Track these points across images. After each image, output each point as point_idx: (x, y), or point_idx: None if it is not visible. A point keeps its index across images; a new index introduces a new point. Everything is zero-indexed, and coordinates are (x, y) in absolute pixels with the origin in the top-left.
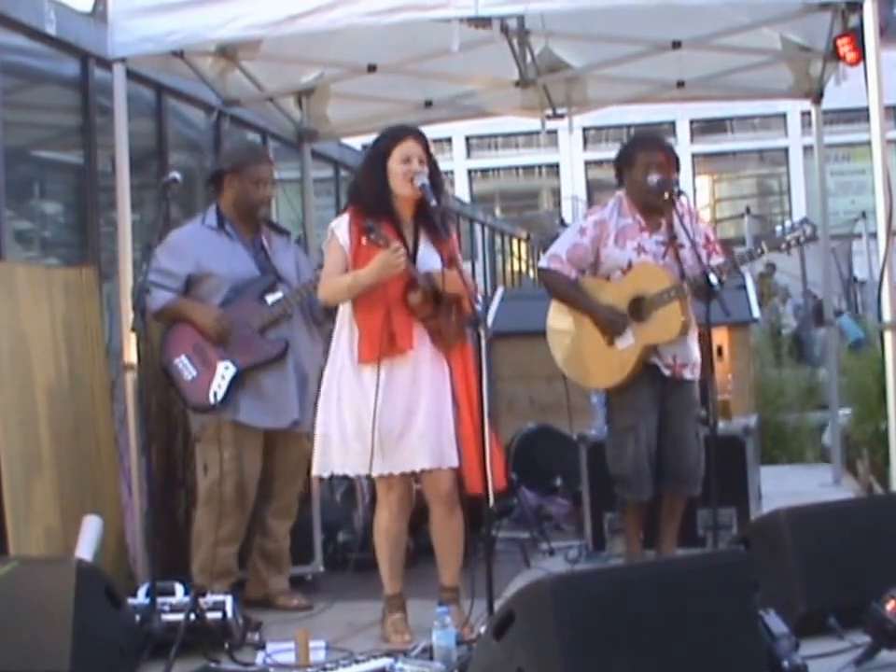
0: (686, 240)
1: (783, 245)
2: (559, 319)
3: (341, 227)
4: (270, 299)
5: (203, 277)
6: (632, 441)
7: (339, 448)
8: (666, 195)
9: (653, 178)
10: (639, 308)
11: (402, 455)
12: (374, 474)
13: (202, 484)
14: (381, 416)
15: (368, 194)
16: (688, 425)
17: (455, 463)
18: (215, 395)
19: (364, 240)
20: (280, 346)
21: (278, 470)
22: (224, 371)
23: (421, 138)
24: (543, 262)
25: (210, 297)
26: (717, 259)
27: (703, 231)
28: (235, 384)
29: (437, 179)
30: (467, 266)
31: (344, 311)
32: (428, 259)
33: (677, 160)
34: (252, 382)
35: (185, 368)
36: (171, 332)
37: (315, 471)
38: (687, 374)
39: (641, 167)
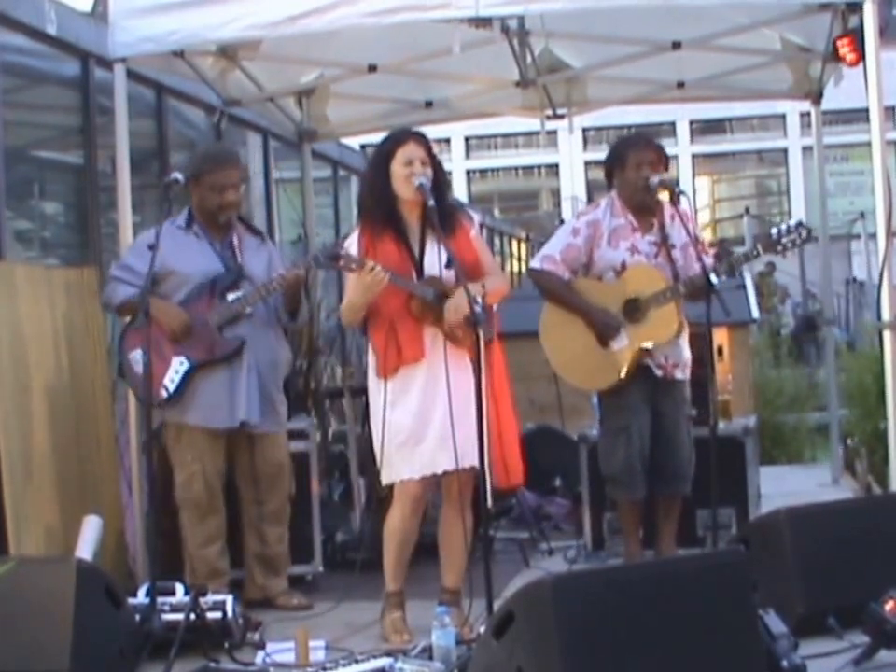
0: (685, 238)
1: (779, 248)
2: (553, 321)
3: (352, 247)
4: (230, 296)
5: (167, 275)
6: (624, 441)
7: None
8: (667, 193)
9: (654, 178)
10: (634, 309)
11: (422, 458)
12: (396, 479)
13: (175, 488)
14: (399, 423)
15: (372, 202)
16: (680, 424)
17: (475, 462)
18: (166, 388)
19: (341, 264)
20: (235, 344)
21: (259, 473)
22: (178, 367)
23: (422, 140)
24: (536, 263)
25: (173, 294)
26: (706, 260)
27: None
28: (187, 380)
29: (441, 179)
30: None
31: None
32: (435, 262)
33: (667, 158)
34: (203, 379)
35: (137, 362)
36: (129, 327)
37: (383, 481)
38: (678, 374)
39: (633, 166)
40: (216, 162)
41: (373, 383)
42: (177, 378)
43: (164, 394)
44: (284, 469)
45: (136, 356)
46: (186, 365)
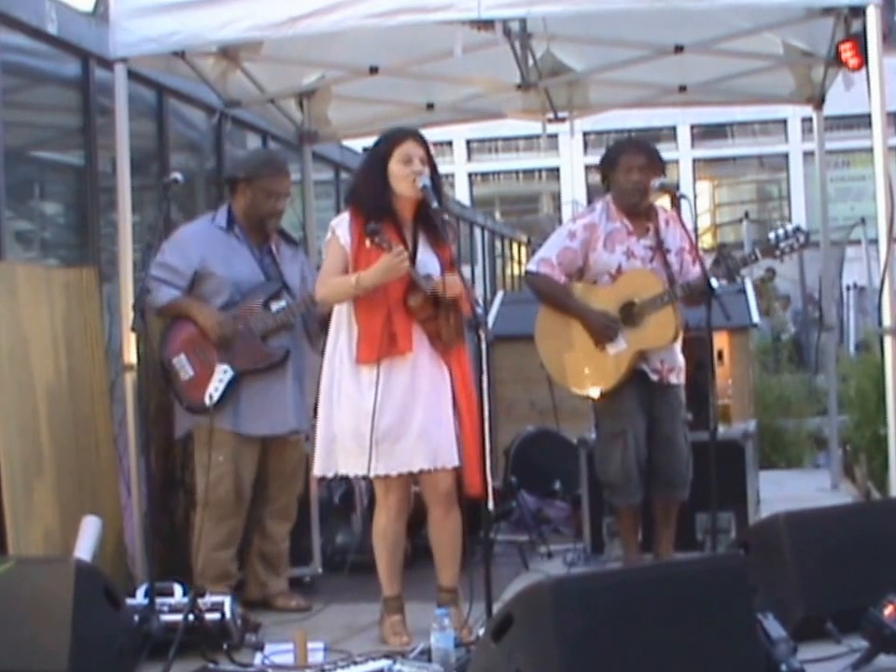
0: (679, 242)
1: (777, 253)
2: (548, 325)
3: (341, 226)
4: (274, 306)
5: (206, 276)
6: (620, 446)
7: (340, 449)
8: (668, 198)
9: (655, 182)
10: (631, 313)
11: (401, 456)
12: (372, 475)
13: (199, 488)
14: (379, 417)
15: (368, 197)
16: (676, 429)
17: (454, 463)
18: (210, 397)
19: (367, 242)
20: (280, 354)
21: (274, 472)
22: (222, 375)
23: (421, 139)
24: (532, 266)
25: (212, 297)
26: (697, 269)
27: (686, 237)
28: (232, 387)
29: (437, 182)
30: (465, 270)
31: (341, 311)
32: (427, 261)
33: (662, 162)
34: (250, 388)
35: (182, 367)
36: (172, 330)
37: (316, 472)
38: (673, 379)
39: (623, 170)
40: (274, 168)
41: (346, 367)
42: (221, 386)
43: (209, 401)
44: (301, 469)
45: (182, 360)
46: (230, 373)
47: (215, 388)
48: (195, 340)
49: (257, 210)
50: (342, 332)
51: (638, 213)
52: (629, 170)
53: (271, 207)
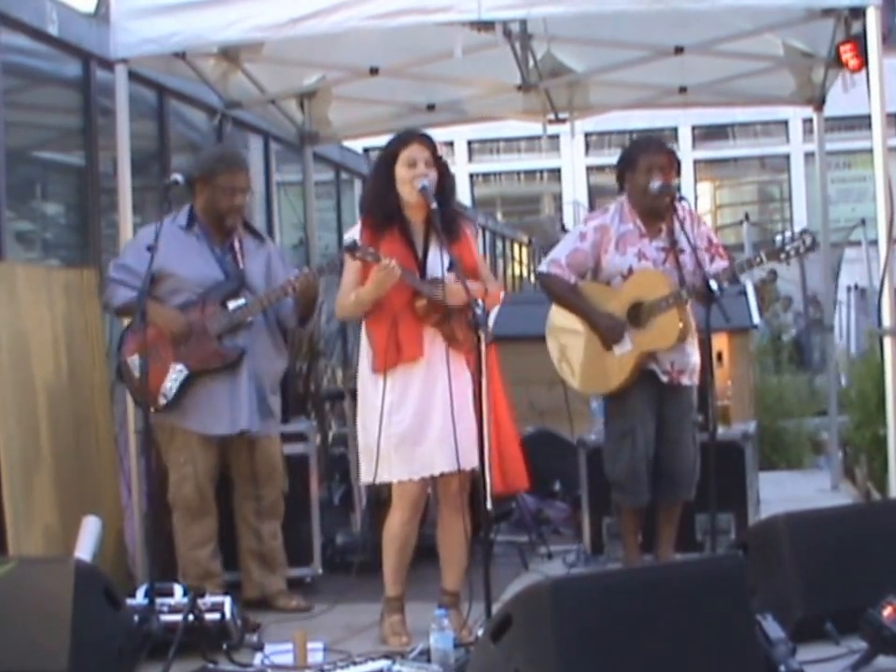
0: (687, 245)
1: (782, 256)
2: (559, 323)
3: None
4: (231, 304)
5: (164, 277)
6: (629, 445)
7: (366, 456)
8: (668, 199)
9: (655, 183)
10: (638, 314)
11: (421, 459)
12: (395, 480)
13: (169, 488)
14: (397, 423)
15: (375, 205)
16: (684, 430)
17: (474, 465)
18: (165, 396)
19: (352, 259)
20: (235, 354)
21: (248, 473)
22: (177, 374)
23: (427, 141)
24: (543, 267)
25: (170, 297)
26: (720, 263)
27: (705, 234)
28: (185, 387)
29: (447, 182)
30: None
31: (364, 323)
32: (439, 263)
33: (678, 164)
34: (202, 387)
35: (136, 366)
36: (129, 330)
37: (362, 479)
38: (685, 380)
39: (643, 170)
40: (229, 164)
41: (367, 376)
42: (175, 386)
43: (163, 401)
44: (278, 468)
45: (135, 360)
46: (184, 373)
47: (168, 388)
48: (150, 340)
49: (215, 207)
50: (364, 344)
51: (653, 213)
52: (649, 170)
53: (228, 204)
